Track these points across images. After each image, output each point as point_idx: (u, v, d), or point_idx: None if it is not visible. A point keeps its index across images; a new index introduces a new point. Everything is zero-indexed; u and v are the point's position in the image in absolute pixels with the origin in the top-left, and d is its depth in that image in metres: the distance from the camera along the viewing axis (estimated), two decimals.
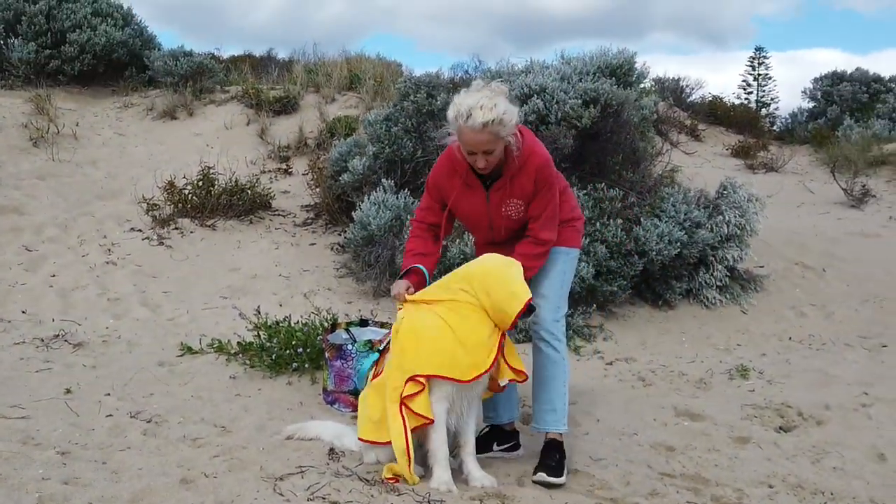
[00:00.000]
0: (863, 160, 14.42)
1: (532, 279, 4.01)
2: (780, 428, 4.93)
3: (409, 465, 3.67)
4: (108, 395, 4.78)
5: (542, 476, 3.93)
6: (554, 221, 4.08)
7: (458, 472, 3.86)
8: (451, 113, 3.86)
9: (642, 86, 9.00)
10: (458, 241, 6.90)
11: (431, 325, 3.74)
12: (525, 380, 3.98)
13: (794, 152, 16.49)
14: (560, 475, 3.94)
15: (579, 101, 7.37)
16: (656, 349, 6.73)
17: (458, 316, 3.74)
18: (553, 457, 4.04)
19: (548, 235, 4.06)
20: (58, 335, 5.91)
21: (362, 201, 7.72)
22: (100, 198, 9.29)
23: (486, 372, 3.74)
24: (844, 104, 20.62)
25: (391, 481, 3.66)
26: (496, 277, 3.76)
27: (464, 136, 3.84)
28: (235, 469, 3.70)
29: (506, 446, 4.38)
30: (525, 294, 3.70)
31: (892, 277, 8.79)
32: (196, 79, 12.95)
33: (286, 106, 12.49)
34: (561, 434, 4.15)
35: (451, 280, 3.91)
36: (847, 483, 4.06)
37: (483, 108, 3.75)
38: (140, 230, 8.41)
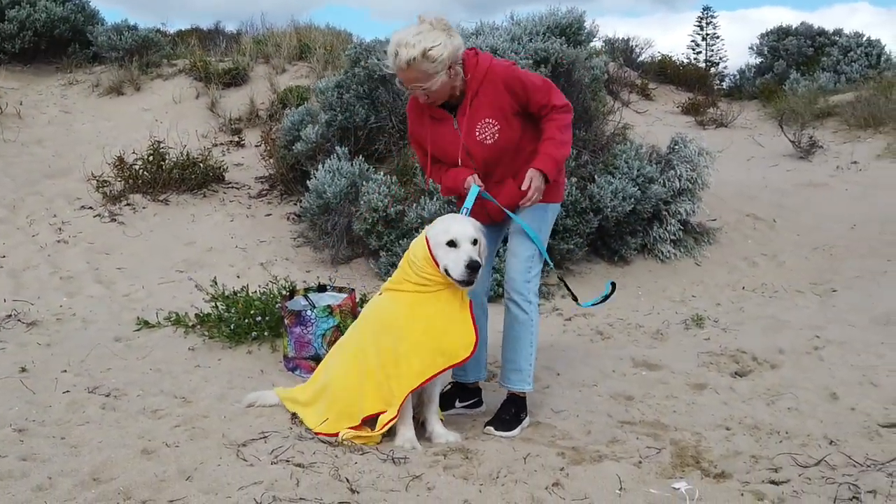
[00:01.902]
0: (809, 112, 14.68)
1: (507, 237, 4.02)
2: (736, 373, 5.03)
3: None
4: (65, 371, 4.72)
5: (490, 429, 4.01)
6: (554, 89, 3.97)
7: (422, 431, 3.91)
8: (388, 51, 3.86)
9: (592, 44, 9.02)
10: (415, 205, 6.89)
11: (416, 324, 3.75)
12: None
13: (743, 108, 16.71)
14: (511, 429, 4.01)
15: (530, 62, 7.37)
16: (613, 304, 6.77)
17: (431, 305, 3.76)
18: (508, 411, 4.09)
19: (559, 100, 3.94)
20: (10, 315, 5.80)
21: (317, 170, 7.67)
22: (48, 177, 9.10)
23: (476, 345, 3.77)
24: (790, 59, 20.85)
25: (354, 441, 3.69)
26: (417, 243, 3.83)
27: (398, 74, 3.85)
28: (197, 438, 3.69)
29: (468, 403, 4.43)
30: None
31: (841, 226, 9.00)
32: (142, 53, 12.72)
33: (236, 78, 12.33)
34: (524, 392, 4.20)
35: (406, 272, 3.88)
36: (801, 422, 4.16)
37: (406, 46, 3.74)
38: (91, 208, 8.27)
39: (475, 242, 3.74)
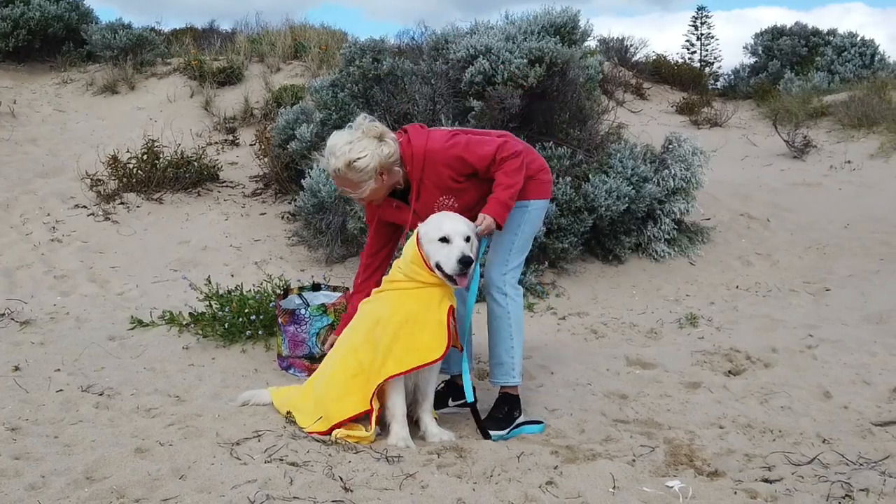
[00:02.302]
0: (803, 112, 14.70)
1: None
2: (730, 372, 5.05)
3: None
4: (58, 370, 4.71)
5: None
6: (500, 147, 3.93)
7: (416, 429, 3.91)
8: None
9: (586, 44, 9.02)
10: None
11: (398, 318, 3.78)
12: None
13: (738, 107, 16.72)
14: (503, 427, 4.01)
15: (525, 61, 7.37)
16: (608, 303, 6.83)
17: (413, 301, 3.80)
18: (501, 409, 4.10)
19: (507, 152, 3.92)
20: (3, 314, 5.78)
21: (311, 169, 7.66)
22: (41, 175, 9.09)
23: (448, 348, 3.78)
24: (785, 58, 20.86)
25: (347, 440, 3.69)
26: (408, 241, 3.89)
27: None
28: (191, 436, 3.68)
29: (461, 402, 4.42)
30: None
31: (834, 225, 9.03)
32: (136, 52, 12.70)
33: (230, 77, 12.31)
34: (515, 387, 4.19)
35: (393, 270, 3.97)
36: (795, 421, 4.18)
37: (334, 155, 3.88)
38: (85, 206, 8.25)
39: (468, 240, 3.76)
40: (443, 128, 4.33)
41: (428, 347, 3.74)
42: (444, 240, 3.74)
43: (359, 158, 3.83)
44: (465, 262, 3.69)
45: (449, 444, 3.79)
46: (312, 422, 3.81)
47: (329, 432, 3.73)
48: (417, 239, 3.80)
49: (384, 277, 4.02)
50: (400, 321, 3.75)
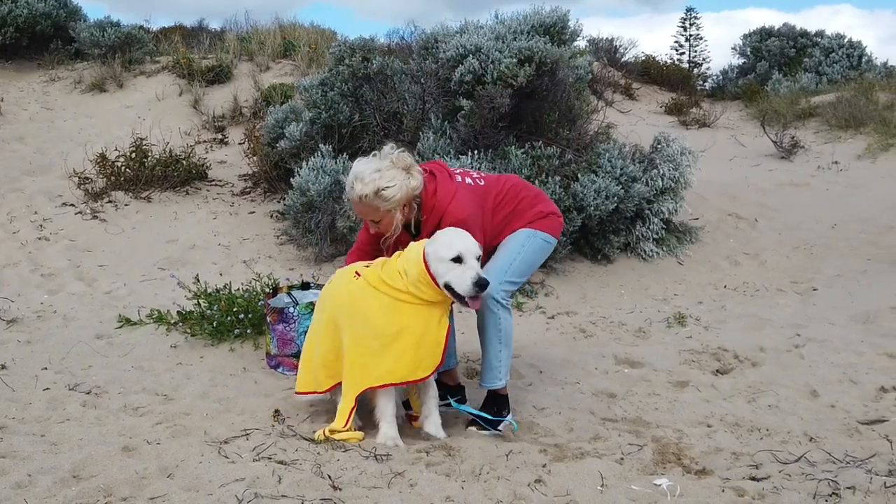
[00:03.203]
0: (791, 113, 14.78)
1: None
2: (717, 371, 5.07)
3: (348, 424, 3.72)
4: (45, 369, 4.69)
5: (472, 429, 4.04)
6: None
7: (402, 427, 3.90)
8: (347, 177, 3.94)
9: (576, 44, 9.03)
10: None
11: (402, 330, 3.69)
12: None
13: (726, 108, 16.80)
14: (491, 427, 4.01)
15: (514, 60, 7.37)
16: (596, 302, 6.85)
17: (408, 316, 3.70)
18: (490, 409, 4.09)
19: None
20: None
21: (300, 167, 7.64)
22: (29, 174, 9.03)
23: (438, 367, 3.75)
24: (773, 59, 20.97)
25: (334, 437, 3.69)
26: (411, 259, 3.75)
27: (352, 203, 3.95)
28: (179, 435, 3.68)
29: (445, 402, 4.41)
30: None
31: (822, 225, 9.08)
32: (125, 50, 12.63)
33: (219, 75, 12.27)
34: (497, 388, 4.18)
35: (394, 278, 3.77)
36: (782, 419, 4.20)
37: (362, 181, 3.80)
38: (72, 205, 8.21)
39: (478, 259, 3.70)
40: (468, 176, 4.19)
41: (421, 366, 3.68)
42: (457, 259, 3.61)
43: (388, 187, 3.78)
44: (481, 285, 3.60)
45: (438, 442, 3.78)
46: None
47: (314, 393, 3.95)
48: (424, 258, 3.66)
49: (382, 277, 3.79)
50: (395, 333, 3.66)
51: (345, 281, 3.91)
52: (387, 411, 3.78)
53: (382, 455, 3.50)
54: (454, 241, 3.67)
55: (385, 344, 3.66)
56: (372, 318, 3.71)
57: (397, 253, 3.88)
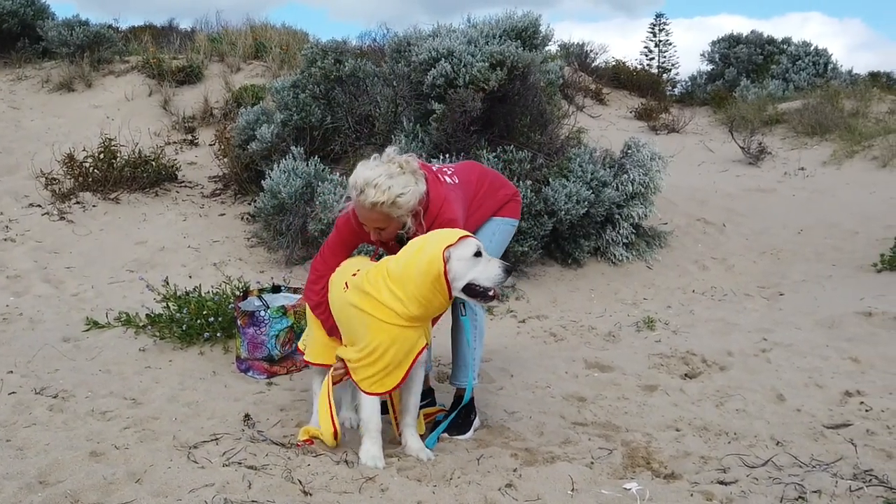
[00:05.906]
0: (759, 119, 15.00)
1: None
2: (686, 375, 5.11)
3: (334, 427, 3.64)
4: (11, 372, 4.62)
5: (444, 434, 4.01)
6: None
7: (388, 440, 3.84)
8: (350, 181, 3.72)
9: (547, 48, 9.08)
10: None
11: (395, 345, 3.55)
12: None
13: (695, 113, 16.98)
14: (463, 432, 4.03)
15: (486, 64, 7.39)
16: (567, 306, 6.88)
17: (392, 342, 3.53)
18: (459, 413, 4.08)
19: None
20: None
21: (272, 170, 7.61)
22: None
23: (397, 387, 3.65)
24: (741, 66, 21.24)
25: (307, 443, 3.66)
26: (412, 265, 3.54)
27: (357, 209, 3.72)
28: (147, 440, 3.64)
29: (421, 404, 4.41)
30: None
31: (788, 230, 9.20)
32: (93, 49, 12.50)
33: (189, 76, 12.18)
34: (472, 390, 4.18)
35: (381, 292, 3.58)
36: (749, 423, 4.24)
37: (377, 188, 3.58)
38: (39, 206, 8.11)
39: None
40: (444, 174, 4.05)
41: (386, 386, 3.58)
42: (478, 254, 3.47)
43: (402, 195, 3.61)
44: (509, 270, 3.49)
45: (427, 462, 3.62)
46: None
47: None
48: (445, 261, 3.40)
49: (365, 286, 3.59)
50: (376, 352, 3.51)
51: (336, 290, 3.82)
52: (370, 426, 3.59)
53: (353, 460, 3.49)
54: (468, 237, 3.52)
55: (361, 359, 3.57)
56: (353, 333, 3.65)
57: (385, 259, 3.72)
